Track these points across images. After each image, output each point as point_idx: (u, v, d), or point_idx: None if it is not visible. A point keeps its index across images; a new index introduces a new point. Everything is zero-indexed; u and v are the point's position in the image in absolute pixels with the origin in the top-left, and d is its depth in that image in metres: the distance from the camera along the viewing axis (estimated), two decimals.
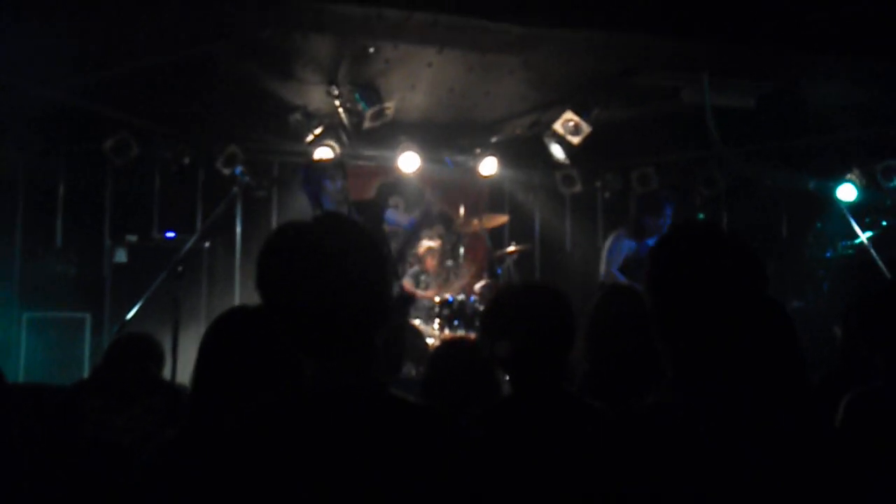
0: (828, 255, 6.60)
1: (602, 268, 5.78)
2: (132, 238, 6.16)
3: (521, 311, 2.16)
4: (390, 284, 1.48)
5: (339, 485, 1.30)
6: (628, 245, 5.67)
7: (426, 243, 6.34)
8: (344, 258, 1.40)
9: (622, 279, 5.52)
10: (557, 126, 6.20)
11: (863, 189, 6.33)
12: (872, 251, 5.82)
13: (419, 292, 6.18)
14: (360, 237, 1.45)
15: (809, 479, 1.36)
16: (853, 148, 6.46)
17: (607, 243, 5.82)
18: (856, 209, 6.28)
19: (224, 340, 1.89)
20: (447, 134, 6.90)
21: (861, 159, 6.41)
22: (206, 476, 1.33)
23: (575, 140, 6.17)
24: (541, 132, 6.56)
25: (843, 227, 6.38)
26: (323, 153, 6.18)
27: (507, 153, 7.05)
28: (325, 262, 1.38)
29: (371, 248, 1.44)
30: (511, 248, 6.36)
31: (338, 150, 6.35)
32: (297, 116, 6.03)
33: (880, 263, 5.54)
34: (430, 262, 6.31)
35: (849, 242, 6.35)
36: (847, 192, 6.36)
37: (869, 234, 6.09)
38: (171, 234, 6.29)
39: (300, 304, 1.37)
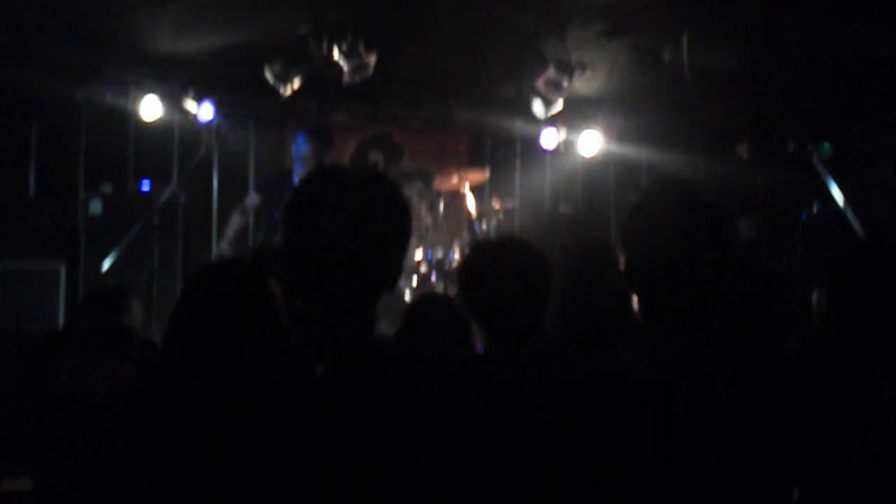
0: (803, 216, 6.65)
1: None
2: (107, 189, 6.08)
3: (496, 266, 2.17)
4: (408, 250, 1.50)
5: (321, 436, 1.30)
6: None
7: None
8: (376, 214, 1.41)
9: None
10: (539, 83, 6.17)
11: (839, 151, 6.36)
12: (848, 213, 5.87)
13: None
14: (397, 198, 1.46)
15: (778, 434, 1.39)
16: (830, 110, 6.48)
17: None
18: (833, 171, 6.31)
19: (205, 292, 1.88)
20: (429, 89, 6.84)
21: (838, 121, 6.43)
22: (179, 425, 1.33)
23: (557, 97, 6.14)
24: (523, 88, 6.51)
25: (819, 188, 6.42)
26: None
27: (487, 108, 7.00)
28: (358, 213, 1.39)
29: (404, 212, 1.46)
30: (496, 205, 6.34)
31: (314, 104, 6.28)
32: (276, 68, 5.93)
33: (856, 226, 5.59)
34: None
35: (824, 204, 6.39)
36: (823, 155, 6.40)
37: (844, 196, 6.13)
38: (146, 186, 6.21)
39: (322, 250, 1.38)
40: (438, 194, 6.43)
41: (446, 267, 5.87)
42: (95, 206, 5.97)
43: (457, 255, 5.95)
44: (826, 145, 6.32)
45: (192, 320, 1.90)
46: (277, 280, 1.86)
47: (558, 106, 6.35)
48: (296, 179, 5.92)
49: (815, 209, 6.46)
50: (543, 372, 2.05)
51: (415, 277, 5.91)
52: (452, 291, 5.58)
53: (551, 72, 6.08)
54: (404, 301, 5.65)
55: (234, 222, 5.97)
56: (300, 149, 5.79)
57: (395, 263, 1.46)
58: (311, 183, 1.46)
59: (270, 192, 5.86)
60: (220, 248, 5.95)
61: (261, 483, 1.28)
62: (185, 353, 1.79)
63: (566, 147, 7.47)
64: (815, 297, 3.39)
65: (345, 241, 1.38)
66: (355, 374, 1.35)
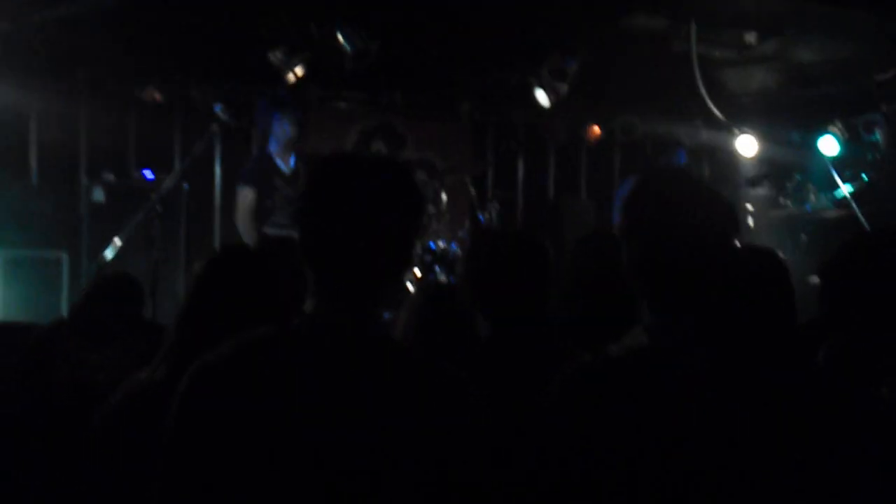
0: (807, 207, 6.64)
1: None
2: (109, 177, 6.06)
3: (500, 255, 2.17)
4: (416, 241, 1.50)
5: (327, 420, 1.30)
6: None
7: None
8: (387, 202, 1.40)
9: None
10: (543, 71, 6.14)
11: (845, 142, 6.34)
12: (853, 204, 5.85)
13: None
14: (410, 185, 1.45)
15: (787, 427, 1.38)
16: (836, 102, 6.45)
17: None
18: (837, 162, 6.30)
19: (222, 277, 1.90)
20: (434, 76, 6.80)
21: (843, 113, 6.40)
22: (204, 409, 1.33)
23: (561, 86, 6.11)
24: (526, 76, 6.48)
25: (823, 179, 6.41)
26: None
27: (490, 97, 6.97)
28: (375, 201, 1.38)
29: (417, 200, 1.45)
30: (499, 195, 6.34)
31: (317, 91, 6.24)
32: (278, 54, 5.90)
33: (860, 217, 5.57)
34: None
35: (828, 195, 6.38)
36: (829, 145, 6.38)
37: (849, 187, 6.12)
38: (149, 174, 6.20)
39: (331, 236, 1.38)
40: (441, 184, 6.42)
41: (449, 257, 5.87)
42: (98, 194, 5.96)
43: (459, 245, 5.94)
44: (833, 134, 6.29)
45: (204, 307, 1.90)
46: (284, 268, 1.85)
47: (562, 95, 6.32)
48: (277, 159, 5.87)
49: (819, 200, 6.42)
50: (547, 360, 2.04)
51: (417, 267, 5.91)
52: (455, 281, 5.57)
53: (556, 58, 6.05)
54: (407, 291, 5.65)
55: (248, 225, 5.81)
56: (270, 113, 5.77)
57: (407, 252, 1.45)
58: (327, 169, 1.44)
59: (258, 180, 5.81)
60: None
61: (261, 474, 1.27)
62: (197, 338, 1.79)
63: (570, 135, 7.45)
64: (814, 281, 3.38)
65: (361, 229, 1.37)
66: (361, 363, 1.35)
